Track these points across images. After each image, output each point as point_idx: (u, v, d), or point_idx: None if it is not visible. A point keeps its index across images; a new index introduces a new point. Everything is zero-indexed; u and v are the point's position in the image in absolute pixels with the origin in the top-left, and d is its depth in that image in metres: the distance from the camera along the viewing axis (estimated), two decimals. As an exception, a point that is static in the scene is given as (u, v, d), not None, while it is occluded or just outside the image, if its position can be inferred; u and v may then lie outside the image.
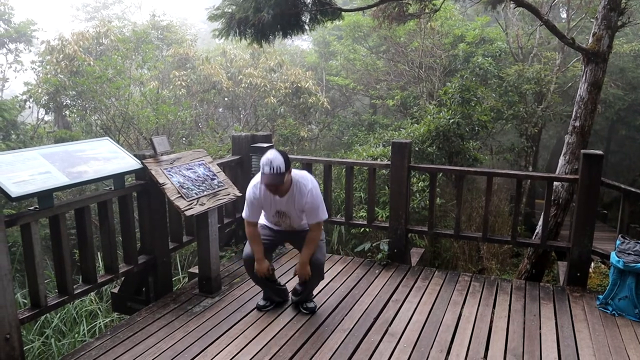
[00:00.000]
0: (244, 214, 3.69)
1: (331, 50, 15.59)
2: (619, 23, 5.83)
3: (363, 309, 3.94)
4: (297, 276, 3.75)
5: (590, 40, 5.78)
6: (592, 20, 6.62)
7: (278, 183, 3.33)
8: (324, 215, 3.63)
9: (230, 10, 4.34)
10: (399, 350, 3.33)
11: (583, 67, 5.90)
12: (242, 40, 5.07)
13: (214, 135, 11.41)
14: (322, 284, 4.39)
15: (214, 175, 4.25)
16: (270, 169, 3.26)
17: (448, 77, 12.25)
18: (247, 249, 3.77)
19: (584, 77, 5.84)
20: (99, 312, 5.88)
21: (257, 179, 3.57)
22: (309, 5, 4.53)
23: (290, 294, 4.05)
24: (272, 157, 3.28)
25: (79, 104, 10.64)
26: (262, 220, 3.86)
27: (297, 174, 3.58)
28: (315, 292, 4.20)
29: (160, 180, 3.74)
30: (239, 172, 5.21)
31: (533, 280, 5.99)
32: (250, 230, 3.69)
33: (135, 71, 11.58)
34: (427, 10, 6.74)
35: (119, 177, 3.75)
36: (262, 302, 3.95)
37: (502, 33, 13.23)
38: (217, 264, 4.26)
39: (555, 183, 5.95)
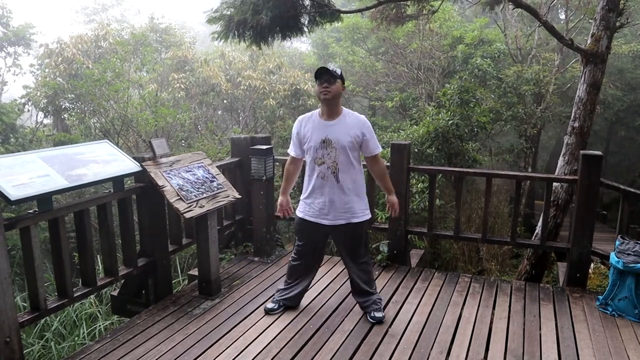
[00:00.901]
0: (289, 150, 3.78)
1: (330, 52, 15.59)
2: (618, 24, 5.83)
3: (363, 310, 3.93)
4: (391, 210, 3.83)
5: (589, 41, 5.79)
6: (590, 21, 6.64)
7: (331, 77, 3.40)
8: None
9: (228, 12, 4.35)
10: (399, 352, 3.32)
11: (582, 68, 5.90)
12: (241, 42, 5.07)
13: (213, 138, 11.41)
14: (322, 284, 4.41)
15: (213, 177, 4.25)
16: (327, 66, 3.44)
17: (447, 79, 12.26)
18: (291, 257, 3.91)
19: (582, 78, 5.85)
20: (98, 314, 5.88)
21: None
22: (308, 8, 4.53)
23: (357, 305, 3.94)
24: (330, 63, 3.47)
25: (78, 107, 10.65)
26: (300, 210, 3.72)
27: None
28: (315, 293, 4.21)
29: (160, 183, 3.74)
30: (239, 174, 5.21)
31: (533, 281, 5.99)
32: (288, 167, 3.83)
33: (134, 74, 11.60)
34: (425, 12, 6.75)
35: (118, 180, 3.75)
36: (270, 305, 3.93)
37: (501, 34, 13.24)
38: (217, 266, 4.26)
39: (554, 184, 5.95)
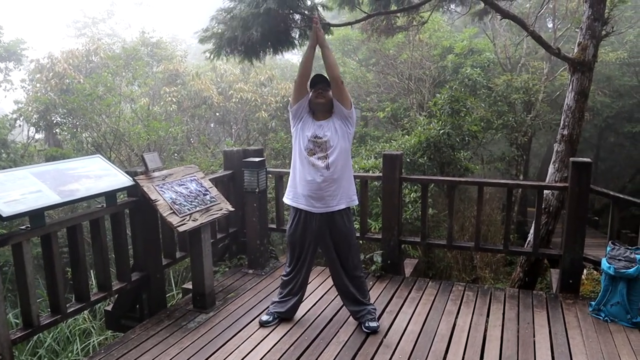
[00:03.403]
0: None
1: (321, 64, 15.65)
2: (603, 32, 5.92)
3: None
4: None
5: (575, 50, 5.87)
6: (577, 30, 6.75)
7: (327, 85, 3.61)
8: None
9: (219, 30, 4.37)
10: (395, 362, 3.33)
11: (569, 76, 5.98)
12: (233, 59, 5.07)
13: (206, 151, 11.41)
14: (316, 296, 4.40)
15: (206, 190, 4.26)
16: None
17: (437, 88, 12.35)
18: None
19: (570, 86, 5.92)
20: (92, 330, 5.83)
21: None
22: (298, 22, 4.58)
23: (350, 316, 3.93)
24: None
25: (70, 121, 10.62)
26: (289, 198, 3.79)
27: None
28: (309, 304, 4.21)
29: (153, 197, 3.74)
30: (231, 187, 5.22)
31: (526, 288, 6.01)
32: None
33: (126, 88, 11.60)
34: (414, 23, 6.83)
35: (110, 195, 3.75)
36: (264, 318, 3.92)
37: (490, 44, 13.38)
38: (211, 280, 4.25)
39: (545, 191, 6.00)
